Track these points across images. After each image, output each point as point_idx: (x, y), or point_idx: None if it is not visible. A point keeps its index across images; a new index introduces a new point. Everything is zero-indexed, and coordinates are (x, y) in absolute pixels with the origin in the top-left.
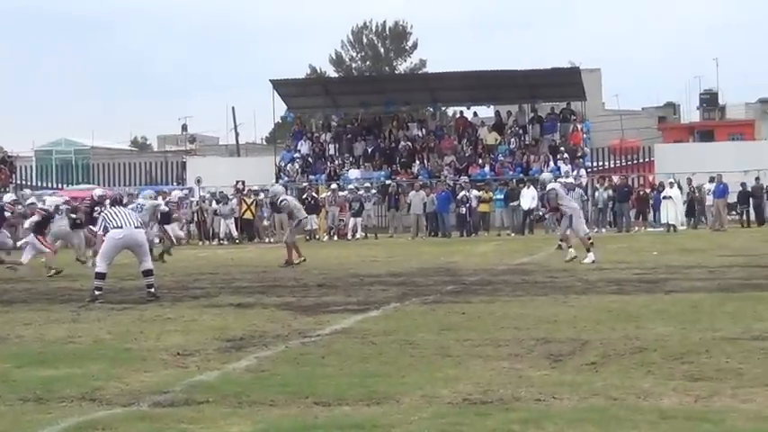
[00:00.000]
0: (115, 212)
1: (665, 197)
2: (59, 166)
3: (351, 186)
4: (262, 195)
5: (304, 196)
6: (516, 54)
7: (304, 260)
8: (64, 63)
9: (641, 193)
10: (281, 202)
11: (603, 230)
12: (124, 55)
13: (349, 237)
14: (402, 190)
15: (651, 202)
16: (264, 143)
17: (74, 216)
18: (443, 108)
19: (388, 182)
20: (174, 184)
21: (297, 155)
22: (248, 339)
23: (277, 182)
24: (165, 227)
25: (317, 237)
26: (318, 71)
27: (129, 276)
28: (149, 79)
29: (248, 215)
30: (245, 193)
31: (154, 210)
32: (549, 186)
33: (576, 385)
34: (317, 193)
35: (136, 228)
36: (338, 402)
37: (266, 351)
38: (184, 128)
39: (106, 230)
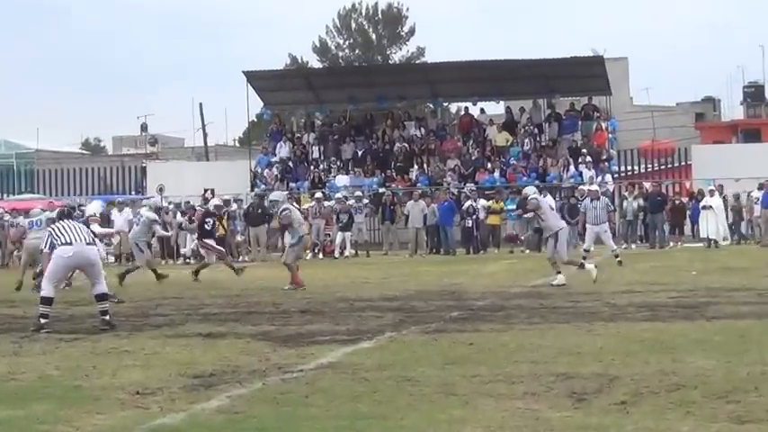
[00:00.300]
0: (64, 227)
1: (704, 207)
2: None
3: (338, 195)
4: (234, 206)
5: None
6: (530, 42)
7: (303, 288)
8: (3, 51)
9: (677, 202)
10: (283, 212)
11: (633, 246)
12: (75, 42)
13: (336, 254)
14: (398, 199)
15: (688, 212)
16: (237, 145)
17: None
18: (445, 104)
19: (381, 190)
20: (133, 192)
21: (275, 158)
22: (219, 375)
23: (253, 189)
24: (206, 241)
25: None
26: (300, 61)
27: (80, 301)
28: (104, 71)
29: (219, 229)
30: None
31: (150, 225)
32: (530, 196)
33: (604, 428)
34: (299, 203)
35: (87, 244)
36: None
37: (240, 389)
38: (144, 128)
39: (53, 248)
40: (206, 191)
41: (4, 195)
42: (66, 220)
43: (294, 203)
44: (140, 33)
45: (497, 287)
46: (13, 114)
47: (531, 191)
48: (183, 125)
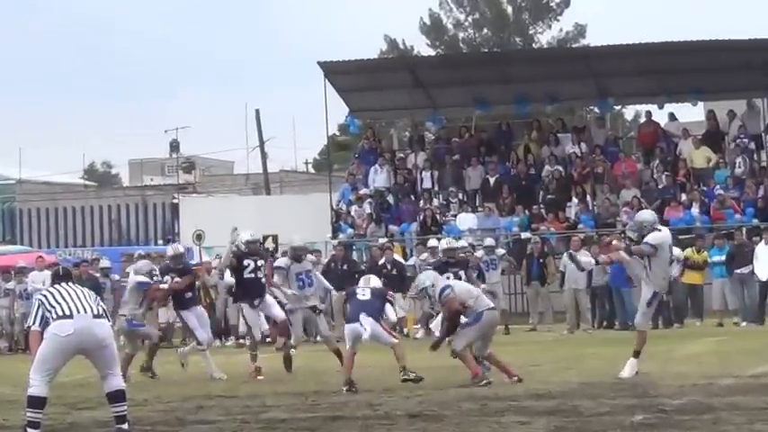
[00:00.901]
0: (61, 293)
1: None
2: None
3: (462, 243)
4: (310, 260)
5: (381, 262)
6: (737, 15)
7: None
8: None
9: None
10: (443, 294)
11: None
12: (74, 28)
13: None
14: (550, 249)
15: None
16: (312, 171)
17: None
18: (617, 107)
19: (525, 235)
20: (160, 242)
21: (367, 190)
22: None
23: (335, 236)
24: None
25: (405, 330)
26: (402, 46)
27: (83, 402)
28: (112, 66)
29: None
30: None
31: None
32: (649, 240)
33: None
34: (404, 256)
35: (95, 317)
36: None
37: None
38: (175, 147)
39: (46, 323)
40: (266, 238)
41: None
42: (63, 284)
43: (397, 256)
44: (167, 13)
45: (701, 377)
46: None
47: (648, 218)
48: (231, 143)
